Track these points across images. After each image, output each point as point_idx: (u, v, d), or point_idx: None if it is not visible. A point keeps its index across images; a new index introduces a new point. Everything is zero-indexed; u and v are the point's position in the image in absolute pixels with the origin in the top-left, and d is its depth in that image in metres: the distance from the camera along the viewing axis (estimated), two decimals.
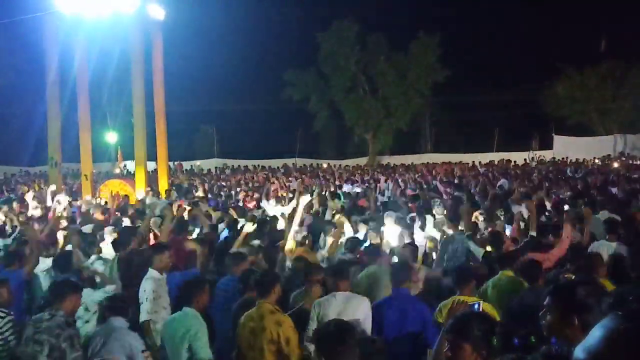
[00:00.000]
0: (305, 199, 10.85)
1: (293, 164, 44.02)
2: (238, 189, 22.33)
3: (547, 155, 40.81)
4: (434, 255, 9.90)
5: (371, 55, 48.19)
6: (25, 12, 22.38)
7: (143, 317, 6.99)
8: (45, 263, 8.66)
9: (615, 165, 30.72)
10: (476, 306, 4.61)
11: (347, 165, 41.19)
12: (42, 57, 21.97)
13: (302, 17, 51.97)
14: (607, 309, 1.18)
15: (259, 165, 41.52)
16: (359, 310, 5.97)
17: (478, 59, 51.86)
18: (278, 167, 40.01)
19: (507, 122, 47.19)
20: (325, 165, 41.49)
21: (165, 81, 24.31)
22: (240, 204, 17.36)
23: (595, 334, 1.21)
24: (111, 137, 44.42)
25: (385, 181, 23.18)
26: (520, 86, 47.58)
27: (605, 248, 8.54)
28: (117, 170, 36.24)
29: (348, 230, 10.43)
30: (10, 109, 42.62)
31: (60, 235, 10.85)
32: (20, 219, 13.47)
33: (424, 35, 46.60)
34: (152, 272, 7.47)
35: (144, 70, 22.97)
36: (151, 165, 26.24)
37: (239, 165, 42.76)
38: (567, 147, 40.69)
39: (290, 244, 8.93)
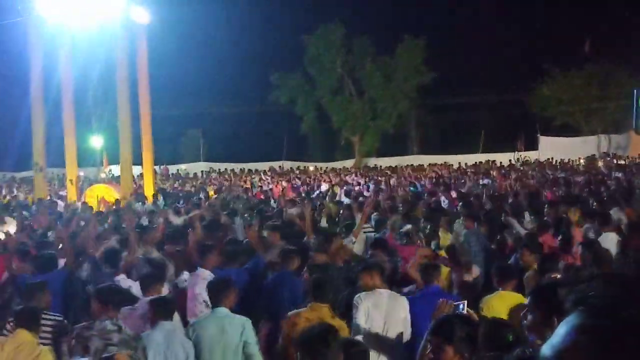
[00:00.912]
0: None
1: (280, 166, 44.00)
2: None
3: (532, 155, 41.01)
4: None
5: (357, 58, 48.26)
6: (8, 17, 22.26)
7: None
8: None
9: (600, 164, 30.95)
10: (460, 307, 4.61)
11: (333, 168, 41.21)
12: (25, 62, 21.84)
13: (288, 20, 52.12)
14: (571, 306, 1.18)
15: (245, 169, 41.46)
16: (403, 308, 6.10)
17: (464, 61, 52.26)
18: (265, 170, 39.97)
19: (492, 123, 47.41)
20: (312, 168, 41.50)
21: (150, 85, 24.23)
22: None
23: (560, 331, 1.22)
24: (96, 142, 44.18)
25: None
26: (505, 88, 47.96)
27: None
28: (103, 175, 36.09)
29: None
30: None
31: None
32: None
33: (409, 38, 46.71)
34: (204, 272, 7.51)
35: (129, 74, 22.89)
36: (137, 170, 26.14)
37: (225, 169, 42.66)
38: (552, 148, 40.91)
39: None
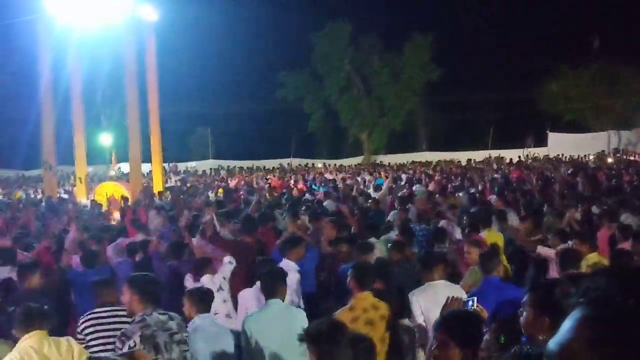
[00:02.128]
0: None
1: (288, 164, 44.05)
2: None
3: (541, 152, 40.89)
4: None
5: (365, 56, 48.23)
6: (18, 16, 22.36)
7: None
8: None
9: (610, 160, 30.86)
10: (470, 303, 4.62)
11: (342, 165, 41.23)
12: (35, 60, 21.93)
13: (296, 18, 51.99)
14: (575, 302, 1.21)
15: (253, 166, 41.51)
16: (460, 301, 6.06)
17: (472, 58, 52.04)
18: (273, 168, 40.01)
19: (501, 120, 47.23)
20: (320, 165, 41.51)
21: (159, 83, 24.29)
22: None
23: (565, 326, 1.25)
24: (105, 140, 44.34)
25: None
26: (514, 84, 47.68)
27: None
28: (112, 173, 36.22)
29: None
30: (4, 112, 42.53)
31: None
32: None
33: (417, 35, 46.64)
34: (289, 263, 7.60)
35: (137, 72, 22.94)
36: (146, 167, 26.21)
37: (234, 166, 42.74)
38: (562, 144, 40.78)
39: None
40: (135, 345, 4.87)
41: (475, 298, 4.93)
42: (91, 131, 33.29)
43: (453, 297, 5.23)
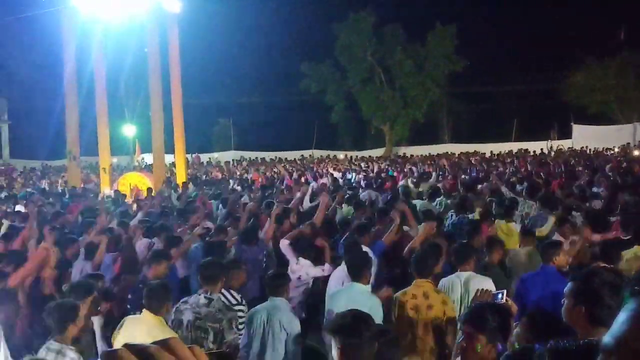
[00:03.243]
0: None
1: (310, 155, 44.04)
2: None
3: (565, 144, 40.48)
4: None
5: (388, 47, 47.98)
6: (43, 7, 22.55)
7: None
8: None
9: (636, 153, 30.44)
10: (499, 296, 4.58)
11: (363, 157, 41.16)
12: (60, 52, 22.11)
13: (319, 9, 51.92)
14: (630, 294, 1.15)
15: (276, 157, 41.56)
16: (481, 286, 6.11)
17: (495, 49, 51.60)
18: (295, 159, 40.03)
19: (525, 111, 46.85)
20: (342, 157, 41.46)
21: (182, 74, 24.35)
22: None
23: (620, 318, 1.20)
24: (129, 130, 44.65)
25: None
26: (539, 76, 47.28)
27: None
28: (136, 163, 36.46)
29: None
30: (30, 103, 43.04)
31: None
32: None
33: (440, 26, 46.34)
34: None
35: (160, 63, 23.02)
36: (169, 158, 26.34)
37: (255, 157, 42.82)
38: (587, 137, 40.30)
39: None
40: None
41: (505, 291, 4.90)
42: (115, 122, 33.54)
43: (483, 289, 5.20)
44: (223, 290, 6.22)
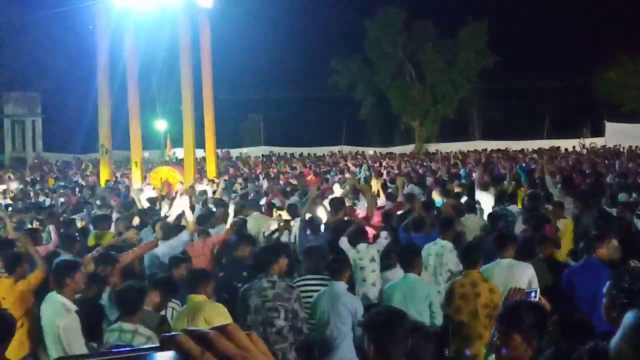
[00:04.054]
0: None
1: (339, 151, 44.01)
2: None
3: (598, 142, 39.95)
4: None
5: (418, 42, 47.74)
6: (77, 2, 22.82)
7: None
8: None
9: None
10: (532, 294, 4.54)
11: (391, 153, 41.03)
12: (93, 46, 22.36)
13: (349, 5, 51.85)
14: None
15: (304, 153, 41.63)
16: (523, 277, 6.31)
17: (528, 45, 51.08)
18: (324, 155, 40.04)
19: (557, 108, 46.34)
20: (371, 152, 41.38)
21: (212, 69, 24.48)
22: None
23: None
24: (160, 125, 45.03)
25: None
26: (571, 72, 46.67)
27: None
28: (167, 158, 36.76)
29: None
30: (63, 97, 43.57)
31: None
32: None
33: (472, 21, 45.97)
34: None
35: (192, 58, 23.15)
36: (199, 153, 26.51)
37: (285, 153, 42.93)
38: (619, 134, 39.68)
39: None
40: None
41: (538, 289, 4.85)
42: (147, 117, 33.86)
43: (515, 287, 5.16)
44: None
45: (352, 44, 49.14)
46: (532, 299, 4.52)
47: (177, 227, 9.16)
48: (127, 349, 0.94)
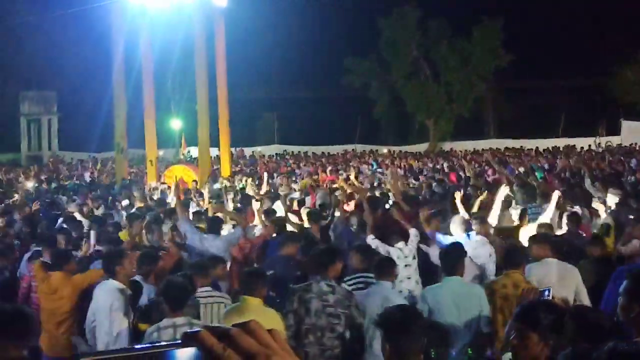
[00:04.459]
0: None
1: (353, 150, 43.96)
2: None
3: (614, 141, 39.66)
4: None
5: (433, 41, 47.56)
6: (92, 1, 22.96)
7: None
8: None
9: None
10: (546, 293, 4.53)
11: (406, 151, 40.93)
12: (108, 45, 22.49)
13: (363, 3, 51.78)
14: None
15: (318, 152, 41.59)
16: (573, 279, 6.34)
17: (543, 44, 50.84)
18: (338, 154, 40.00)
19: (573, 107, 46.03)
20: (385, 151, 41.31)
21: (227, 68, 24.55)
22: None
23: None
24: (175, 124, 45.18)
25: None
26: (587, 71, 46.39)
27: None
28: (181, 156, 36.87)
29: None
30: (79, 96, 43.82)
31: None
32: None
33: (487, 20, 45.75)
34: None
35: (207, 58, 23.23)
36: (214, 151, 26.60)
37: (299, 152, 42.94)
38: (636, 133, 39.39)
39: None
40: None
41: (551, 288, 4.84)
42: (162, 115, 33.97)
43: (529, 287, 5.15)
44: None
45: (367, 43, 49.06)
46: (546, 298, 4.52)
47: (221, 221, 9.46)
48: (150, 344, 0.94)
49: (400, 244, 7.91)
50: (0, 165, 33.32)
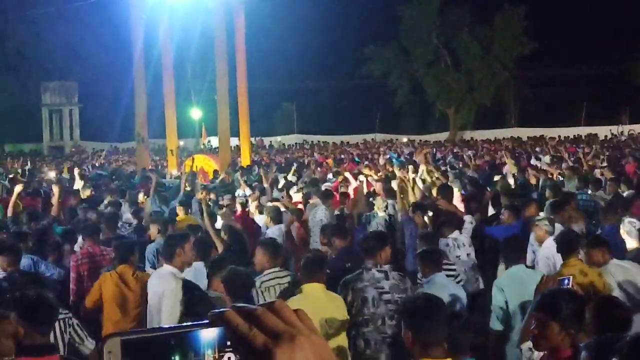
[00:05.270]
0: None
1: (372, 139, 43.88)
2: None
3: (637, 129, 39.22)
4: None
5: (454, 29, 47.25)
6: None
7: None
8: None
9: None
10: (566, 282, 4.49)
11: (427, 141, 40.79)
12: (128, 36, 22.59)
13: None
14: None
15: (338, 141, 41.57)
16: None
17: (565, 31, 50.26)
18: (358, 143, 39.95)
19: (595, 95, 45.56)
20: (405, 140, 41.18)
21: (247, 58, 24.56)
22: None
23: None
24: (195, 114, 45.38)
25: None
26: (610, 58, 45.86)
27: None
28: (202, 146, 37.05)
29: None
30: (99, 86, 44.12)
31: None
32: None
33: (508, 7, 45.35)
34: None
35: (226, 48, 23.27)
36: (234, 141, 26.70)
37: (318, 141, 42.95)
38: None
39: None
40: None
41: (571, 277, 4.81)
42: (182, 105, 34.12)
43: (548, 276, 5.11)
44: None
45: (387, 31, 48.78)
46: (566, 287, 4.48)
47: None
48: (177, 325, 0.96)
49: (455, 234, 7.89)
50: (24, 155, 33.71)
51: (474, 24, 46.83)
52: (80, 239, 8.29)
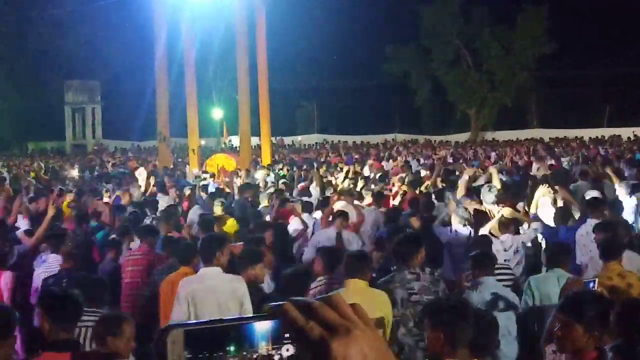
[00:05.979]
0: None
1: (393, 139, 43.81)
2: None
3: None
4: None
5: (475, 29, 46.97)
6: None
7: None
8: None
9: None
10: (591, 284, 4.48)
11: (447, 141, 40.63)
12: (151, 35, 22.74)
13: None
14: None
15: (358, 141, 41.59)
16: None
17: (588, 31, 49.72)
18: (378, 143, 39.91)
19: (618, 96, 45.09)
20: (423, 141, 41.09)
21: (268, 57, 24.63)
22: None
23: None
24: (217, 113, 45.58)
25: None
26: (633, 58, 45.31)
27: None
28: (223, 145, 37.25)
29: None
30: (122, 85, 44.48)
31: None
32: None
33: (530, 7, 45.01)
34: None
35: (248, 47, 23.36)
36: (254, 140, 26.82)
37: (338, 141, 42.96)
38: None
39: None
40: None
41: (597, 279, 4.79)
42: (203, 105, 34.28)
43: (573, 278, 5.09)
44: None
45: (408, 31, 48.57)
46: (592, 289, 4.47)
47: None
48: (237, 317, 0.99)
49: (506, 236, 7.86)
50: (46, 153, 34.07)
51: (495, 24, 46.51)
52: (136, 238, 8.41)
